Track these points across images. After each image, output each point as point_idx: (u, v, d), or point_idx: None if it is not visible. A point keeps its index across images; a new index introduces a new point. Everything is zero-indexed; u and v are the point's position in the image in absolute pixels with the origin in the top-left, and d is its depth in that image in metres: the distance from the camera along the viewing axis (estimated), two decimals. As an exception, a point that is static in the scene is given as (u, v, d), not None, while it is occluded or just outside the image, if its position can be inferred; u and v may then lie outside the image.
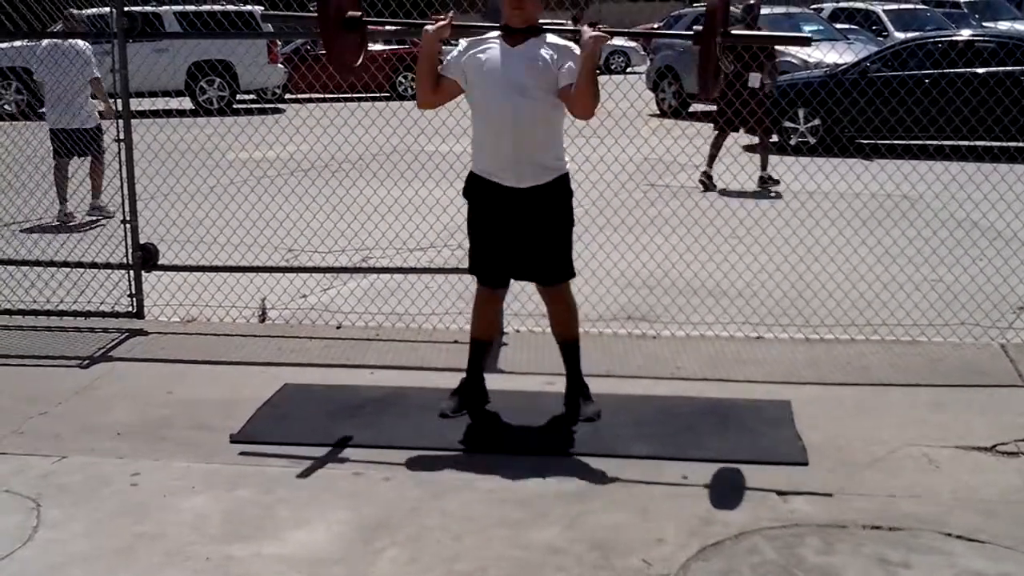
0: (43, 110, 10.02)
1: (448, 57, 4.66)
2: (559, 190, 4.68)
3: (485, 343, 5.01)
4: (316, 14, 4.71)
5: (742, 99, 10.38)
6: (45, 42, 9.79)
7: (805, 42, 4.94)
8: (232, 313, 6.64)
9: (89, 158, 9.89)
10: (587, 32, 4.43)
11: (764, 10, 18.18)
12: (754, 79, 11.13)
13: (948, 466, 4.31)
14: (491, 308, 4.95)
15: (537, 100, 4.50)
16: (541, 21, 4.71)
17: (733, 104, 10.18)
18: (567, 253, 4.77)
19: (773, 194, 10.49)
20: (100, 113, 9.90)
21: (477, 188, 4.73)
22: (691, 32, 4.43)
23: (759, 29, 11.55)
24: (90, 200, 9.90)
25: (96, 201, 9.85)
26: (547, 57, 4.49)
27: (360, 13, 4.86)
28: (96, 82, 9.81)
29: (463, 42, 4.71)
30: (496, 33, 4.65)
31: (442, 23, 4.60)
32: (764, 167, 11.17)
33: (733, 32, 4.67)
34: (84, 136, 9.60)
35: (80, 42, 9.64)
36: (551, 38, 4.61)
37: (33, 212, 8.78)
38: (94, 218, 9.66)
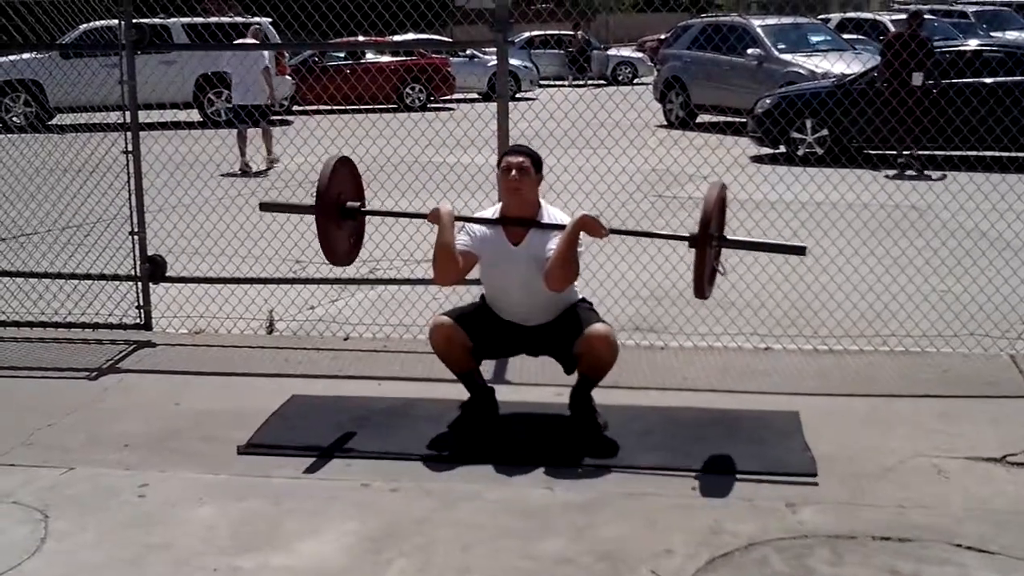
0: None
1: (460, 235, 4.70)
2: (571, 309, 4.78)
3: (471, 371, 4.88)
4: (314, 204, 4.73)
5: (901, 98, 10.98)
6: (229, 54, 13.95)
7: (800, 251, 4.89)
8: (240, 325, 6.65)
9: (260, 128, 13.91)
10: (579, 215, 4.55)
11: (771, 20, 18.32)
12: (917, 77, 11.58)
13: (958, 477, 4.30)
14: (452, 344, 4.72)
15: (544, 290, 4.60)
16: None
17: (891, 103, 10.71)
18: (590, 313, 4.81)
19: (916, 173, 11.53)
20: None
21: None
22: (687, 236, 4.49)
23: (921, 38, 12.35)
24: (265, 155, 13.86)
25: (271, 156, 13.81)
26: (547, 252, 4.56)
27: (359, 204, 4.93)
28: (266, 71, 13.92)
29: (467, 227, 4.78)
30: (495, 214, 4.76)
31: (450, 208, 4.66)
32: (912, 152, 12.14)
33: (728, 238, 4.70)
34: (257, 109, 13.68)
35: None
36: (549, 216, 4.69)
37: (42, 224, 8.79)
38: (269, 167, 13.53)
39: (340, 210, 4.83)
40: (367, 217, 5.12)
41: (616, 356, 4.65)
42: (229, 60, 14.38)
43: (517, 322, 4.79)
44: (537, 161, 4.71)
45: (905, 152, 12.42)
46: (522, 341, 4.85)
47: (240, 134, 13.71)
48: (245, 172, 13.15)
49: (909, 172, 12.12)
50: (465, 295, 6.42)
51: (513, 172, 4.62)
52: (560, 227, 4.58)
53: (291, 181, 11.70)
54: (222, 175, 10.47)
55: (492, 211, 4.86)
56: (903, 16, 21.46)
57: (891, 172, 11.59)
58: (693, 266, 4.46)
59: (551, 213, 4.74)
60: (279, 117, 16.79)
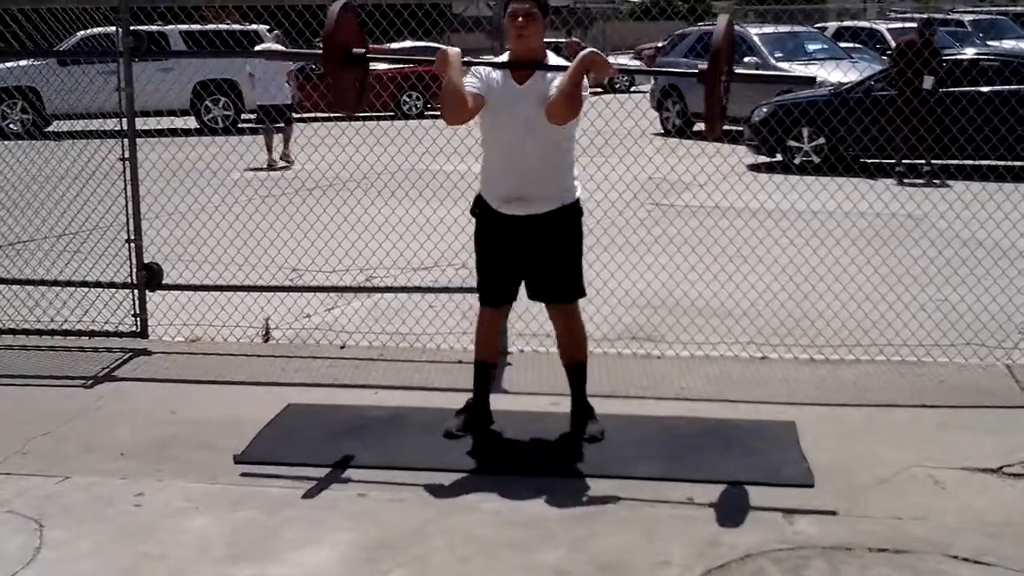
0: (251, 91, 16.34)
1: (468, 77, 4.64)
2: (567, 215, 4.71)
3: (490, 365, 5.00)
4: (320, 50, 4.71)
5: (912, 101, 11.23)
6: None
7: (809, 82, 4.90)
8: (236, 333, 6.63)
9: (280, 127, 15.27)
10: (586, 51, 4.48)
11: (767, 29, 18.35)
12: (927, 81, 11.73)
13: (954, 488, 4.29)
14: (494, 328, 4.94)
15: (546, 137, 4.53)
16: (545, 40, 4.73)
17: (908, 104, 10.88)
18: (577, 273, 4.79)
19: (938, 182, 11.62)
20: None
21: (484, 210, 4.76)
22: (696, 69, 4.44)
23: (935, 45, 12.48)
24: (281, 153, 15.09)
25: (287, 150, 15.12)
26: (551, 89, 4.50)
27: (364, 49, 4.88)
28: (291, 74, 15.53)
29: (473, 69, 4.71)
30: (502, 63, 4.69)
31: (457, 51, 4.61)
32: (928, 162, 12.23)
33: (738, 71, 4.68)
34: (283, 109, 15.08)
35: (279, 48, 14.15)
36: (553, 62, 4.65)
37: (38, 231, 8.78)
38: (283, 163, 14.84)
39: (345, 56, 4.75)
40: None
41: (583, 333, 4.86)
42: (255, 63, 15.39)
43: (512, 212, 4.65)
44: (544, 6, 4.66)
45: (905, 160, 12.46)
46: (519, 248, 4.72)
47: (266, 132, 15.07)
48: (271, 167, 14.62)
49: (906, 180, 12.13)
50: (461, 303, 6.42)
51: (520, 18, 4.54)
52: (564, 68, 4.53)
53: (287, 188, 11.72)
54: (251, 170, 12.32)
55: (500, 59, 4.82)
56: (898, 25, 21.58)
57: (889, 181, 11.61)
58: (704, 102, 4.41)
59: (556, 60, 4.69)
60: (277, 125, 16.86)
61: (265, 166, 14.40)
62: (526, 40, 4.58)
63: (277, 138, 15.23)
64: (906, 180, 12.11)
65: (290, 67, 15.47)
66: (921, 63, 11.61)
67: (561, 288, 4.76)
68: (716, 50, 4.34)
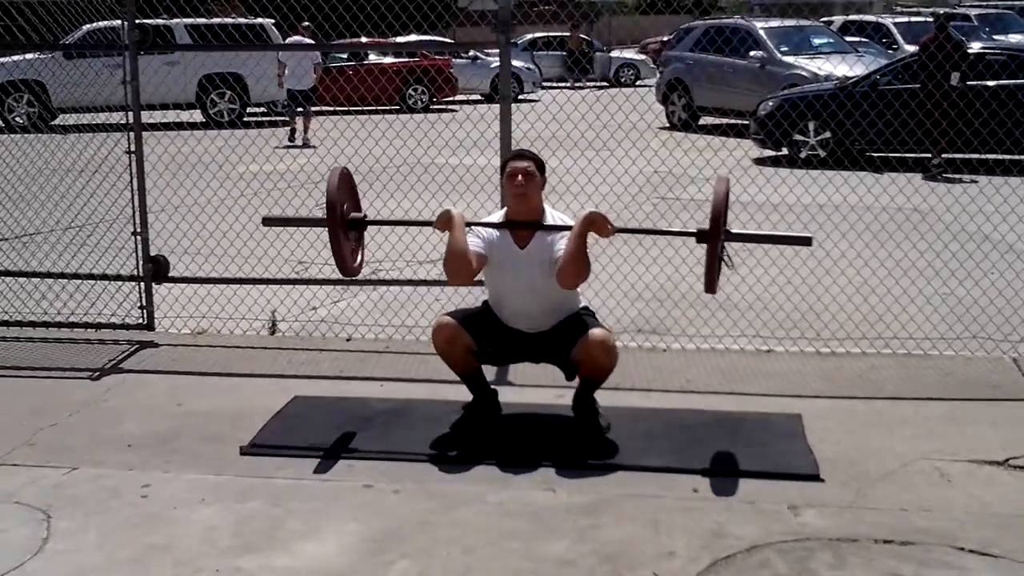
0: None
1: (470, 238, 4.71)
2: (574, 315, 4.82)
3: (474, 371, 4.90)
4: (325, 217, 4.82)
5: (944, 96, 11.07)
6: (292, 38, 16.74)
7: (806, 242, 5.02)
8: (242, 325, 6.65)
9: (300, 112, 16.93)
10: (587, 212, 4.59)
11: (773, 22, 18.31)
12: (954, 77, 11.95)
13: (961, 480, 4.29)
14: (461, 343, 4.75)
15: (551, 295, 4.67)
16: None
17: (940, 103, 10.84)
18: (590, 314, 4.86)
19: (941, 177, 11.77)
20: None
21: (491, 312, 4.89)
22: (695, 231, 4.65)
23: (949, 37, 12.57)
24: (302, 133, 16.71)
25: (306, 136, 16.56)
26: (555, 252, 4.61)
27: (363, 214, 5.06)
28: (317, 66, 17.19)
29: (475, 229, 4.80)
30: (500, 219, 4.82)
31: (460, 211, 4.74)
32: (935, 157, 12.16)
33: (734, 231, 4.81)
34: (303, 93, 16.76)
35: (309, 40, 15.89)
36: (552, 219, 4.75)
37: (45, 224, 8.79)
38: (303, 144, 16.29)
39: (347, 221, 4.88)
40: (371, 211, 5.16)
41: (615, 361, 4.68)
42: (286, 54, 16.76)
43: (519, 328, 4.80)
44: (541, 165, 4.78)
45: (911, 155, 12.47)
46: (524, 348, 4.85)
47: (291, 114, 16.97)
48: (291, 139, 16.67)
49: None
50: (468, 296, 6.43)
51: (519, 178, 4.67)
52: (566, 228, 4.64)
53: (293, 182, 11.73)
54: (282, 147, 15.53)
55: (497, 216, 4.92)
56: (904, 19, 21.54)
57: (894, 174, 11.59)
58: (705, 261, 4.49)
59: (555, 216, 4.80)
60: (282, 119, 16.97)
61: (288, 139, 16.50)
62: (526, 200, 4.70)
63: (301, 120, 16.85)
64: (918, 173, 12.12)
65: (317, 59, 17.21)
66: (945, 58, 11.62)
67: (583, 326, 4.68)
68: (716, 213, 4.46)
